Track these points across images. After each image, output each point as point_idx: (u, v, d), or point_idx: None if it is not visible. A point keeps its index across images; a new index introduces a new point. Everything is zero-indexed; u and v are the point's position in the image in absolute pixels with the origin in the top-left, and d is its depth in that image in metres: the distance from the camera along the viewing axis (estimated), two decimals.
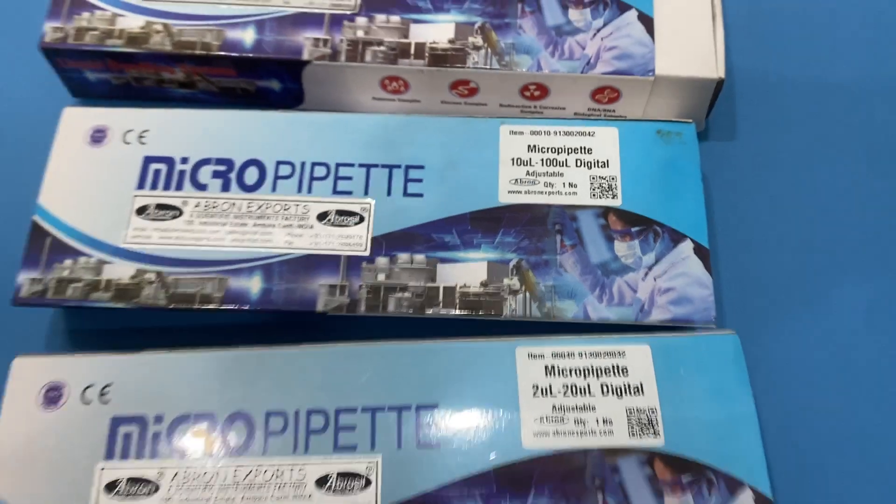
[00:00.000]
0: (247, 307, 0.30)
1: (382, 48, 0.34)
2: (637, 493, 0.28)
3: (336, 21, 0.35)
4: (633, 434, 0.29)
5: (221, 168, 0.33)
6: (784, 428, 0.32)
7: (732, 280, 0.35)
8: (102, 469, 0.28)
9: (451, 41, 0.35)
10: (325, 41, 0.34)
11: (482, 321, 0.31)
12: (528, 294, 0.31)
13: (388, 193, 0.32)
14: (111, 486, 0.28)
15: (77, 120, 0.34)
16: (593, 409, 0.29)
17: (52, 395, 0.29)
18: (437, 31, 0.35)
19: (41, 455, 0.28)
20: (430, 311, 0.30)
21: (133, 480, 0.28)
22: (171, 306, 0.30)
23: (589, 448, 0.28)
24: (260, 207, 0.32)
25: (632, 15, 0.35)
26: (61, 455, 0.28)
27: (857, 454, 0.32)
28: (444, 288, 0.31)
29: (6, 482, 0.28)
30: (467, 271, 0.31)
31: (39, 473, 0.28)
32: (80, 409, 0.29)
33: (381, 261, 0.31)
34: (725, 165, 0.37)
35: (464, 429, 0.29)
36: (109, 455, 0.28)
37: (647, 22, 0.35)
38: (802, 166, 0.37)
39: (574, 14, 0.35)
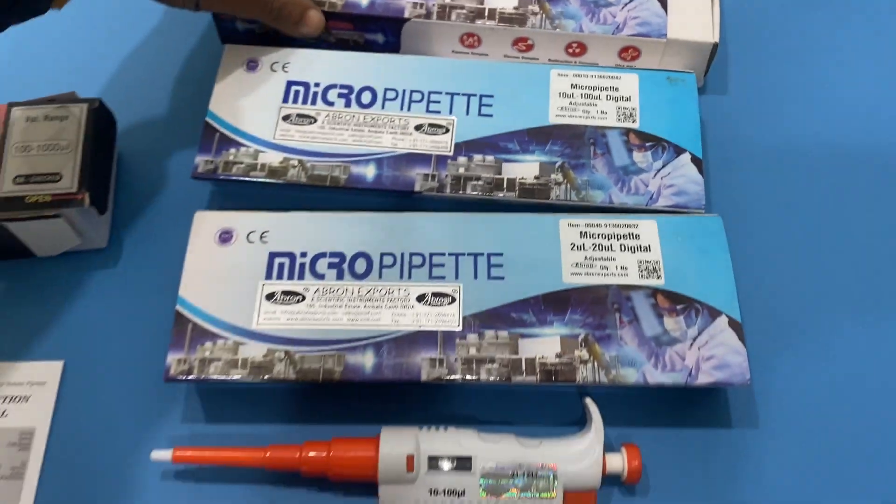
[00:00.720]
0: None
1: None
2: (644, 315, 0.39)
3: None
4: (642, 276, 0.40)
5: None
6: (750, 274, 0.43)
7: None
8: (263, 284, 0.40)
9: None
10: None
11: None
12: None
13: None
14: (270, 296, 0.39)
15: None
16: (613, 259, 0.40)
17: (225, 237, 0.41)
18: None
19: (219, 275, 0.40)
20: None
21: (286, 292, 0.39)
22: (308, 182, 0.42)
23: (609, 284, 0.40)
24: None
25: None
26: (233, 274, 0.40)
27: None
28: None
29: (195, 293, 0.39)
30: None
31: (218, 287, 0.39)
32: (246, 246, 0.41)
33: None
34: (718, 113, 0.49)
35: (521, 268, 0.40)
36: (268, 276, 0.40)
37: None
38: (781, 117, 0.49)
39: None
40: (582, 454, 0.36)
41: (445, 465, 0.36)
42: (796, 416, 0.40)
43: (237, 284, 0.39)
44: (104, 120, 0.44)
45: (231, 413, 0.40)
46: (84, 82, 0.48)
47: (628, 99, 0.45)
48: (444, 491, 0.36)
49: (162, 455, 0.37)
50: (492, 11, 0.47)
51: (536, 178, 0.43)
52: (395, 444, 0.36)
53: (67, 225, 0.41)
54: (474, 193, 0.42)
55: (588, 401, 0.38)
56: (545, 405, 0.40)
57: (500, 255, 0.40)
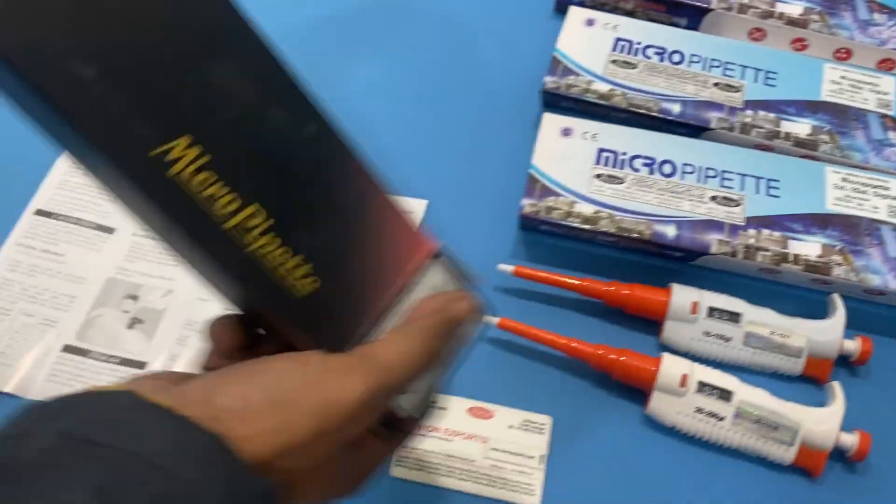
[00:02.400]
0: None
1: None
2: (890, 241, 0.50)
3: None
4: (891, 215, 0.51)
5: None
6: None
7: None
8: (593, 167, 0.52)
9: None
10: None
11: None
12: None
13: None
14: (598, 175, 0.52)
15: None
16: (868, 200, 0.51)
17: (566, 132, 0.54)
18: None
19: (560, 155, 0.53)
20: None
21: (610, 176, 0.52)
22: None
23: (862, 216, 0.51)
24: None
25: None
26: (571, 157, 0.53)
27: None
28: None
29: (544, 163, 0.52)
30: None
31: (559, 163, 0.52)
32: (580, 141, 0.54)
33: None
34: None
35: (794, 192, 0.51)
36: (597, 162, 0.53)
37: None
38: None
39: None
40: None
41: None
42: None
43: (573, 163, 0.52)
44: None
45: (545, 259, 0.52)
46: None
47: None
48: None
49: (506, 268, 0.50)
50: (780, 13, 0.60)
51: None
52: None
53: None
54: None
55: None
56: (790, 301, 0.51)
57: (778, 181, 0.52)
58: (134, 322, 0.50)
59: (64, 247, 0.52)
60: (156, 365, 0.48)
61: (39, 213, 0.53)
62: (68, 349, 0.48)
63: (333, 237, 0.29)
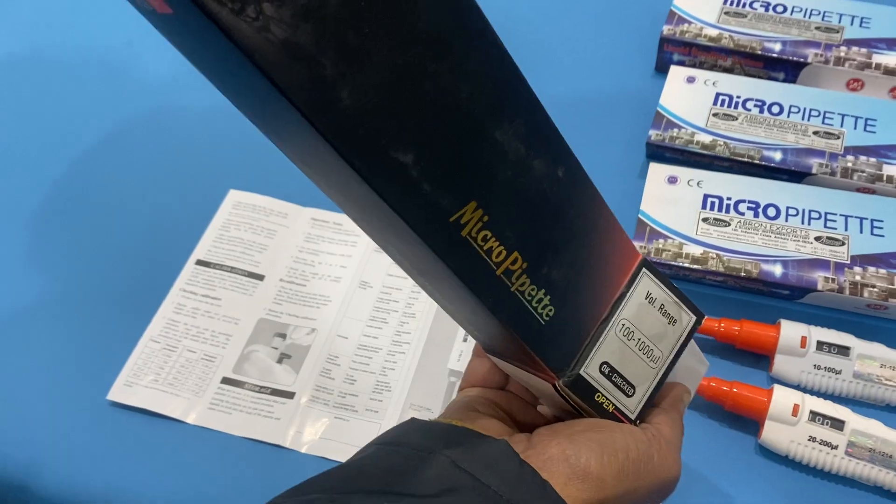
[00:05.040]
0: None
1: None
2: None
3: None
4: None
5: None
6: None
7: None
8: (700, 212, 0.56)
9: None
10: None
11: None
12: None
13: None
14: (705, 219, 0.55)
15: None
16: None
17: (672, 180, 0.58)
18: None
19: (667, 202, 0.57)
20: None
21: (716, 219, 0.55)
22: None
23: None
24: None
25: None
26: (677, 203, 0.56)
27: None
28: None
29: (652, 210, 0.56)
30: None
31: (667, 208, 0.56)
32: (686, 188, 0.57)
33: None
34: None
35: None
36: (703, 207, 0.56)
37: None
38: None
39: None
40: None
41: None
42: None
43: (680, 208, 0.56)
44: (694, 330, 0.36)
45: None
46: None
47: None
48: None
49: None
50: (877, 64, 0.62)
51: None
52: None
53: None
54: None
55: None
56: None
57: (882, 220, 0.54)
58: (282, 357, 0.56)
59: (221, 292, 0.59)
60: (303, 397, 0.54)
61: (199, 262, 0.61)
62: (226, 381, 0.55)
63: (571, 267, 0.32)
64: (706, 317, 0.45)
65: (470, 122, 0.27)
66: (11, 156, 0.70)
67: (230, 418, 0.53)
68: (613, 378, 0.33)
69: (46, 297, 0.60)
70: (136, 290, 0.60)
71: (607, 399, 0.33)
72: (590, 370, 0.33)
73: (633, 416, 0.34)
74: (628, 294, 0.34)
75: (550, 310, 0.31)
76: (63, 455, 0.52)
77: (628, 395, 0.34)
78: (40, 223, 0.65)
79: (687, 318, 0.36)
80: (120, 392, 0.54)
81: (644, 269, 0.35)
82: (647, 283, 0.35)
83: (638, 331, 0.34)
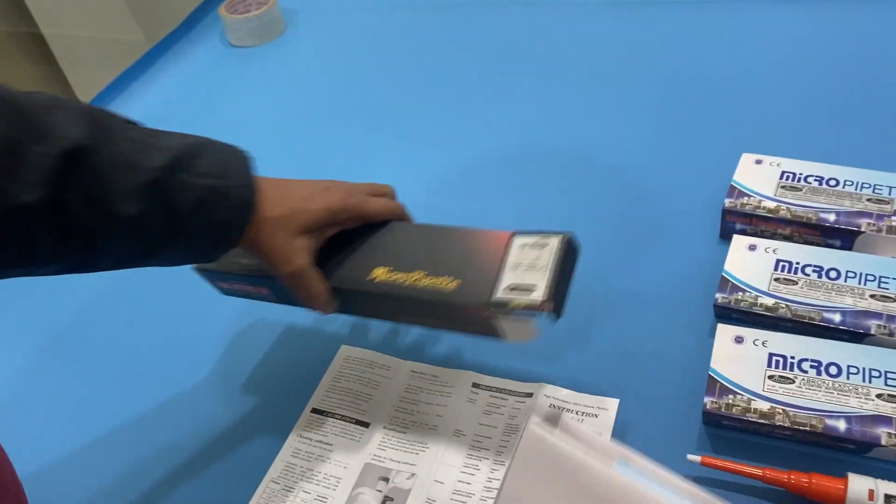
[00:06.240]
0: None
1: None
2: None
3: None
4: None
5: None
6: None
7: None
8: (766, 370, 0.61)
9: None
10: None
11: None
12: None
13: None
14: (771, 377, 0.60)
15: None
16: None
17: (738, 340, 0.64)
18: None
19: (735, 361, 0.62)
20: None
21: (781, 377, 0.60)
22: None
23: None
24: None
25: None
26: (745, 362, 0.62)
27: None
28: None
29: (721, 367, 0.61)
30: None
31: (735, 367, 0.61)
32: (752, 348, 0.63)
33: None
34: None
35: None
36: (769, 366, 0.61)
37: None
38: None
39: None
40: None
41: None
42: None
43: (748, 366, 0.62)
44: (569, 249, 0.57)
45: (728, 450, 0.60)
46: None
47: None
48: None
49: (694, 458, 0.58)
50: None
51: None
52: (859, 481, 0.54)
53: (532, 325, 0.56)
54: None
55: None
56: None
57: None
58: (386, 500, 0.62)
59: (332, 437, 0.67)
60: None
61: (314, 411, 0.69)
62: None
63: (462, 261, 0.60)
64: (778, 469, 0.56)
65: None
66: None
67: None
68: (516, 289, 0.55)
69: (185, 433, 0.70)
70: (261, 432, 0.68)
71: (518, 301, 0.54)
72: (499, 294, 0.56)
73: (542, 298, 0.54)
74: (508, 253, 0.58)
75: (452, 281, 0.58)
76: None
77: (530, 292, 0.54)
78: (174, 361, 0.75)
79: (554, 240, 0.57)
80: None
81: (514, 236, 0.58)
82: (518, 241, 0.58)
83: (522, 262, 0.57)
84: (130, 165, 0.51)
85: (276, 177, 0.61)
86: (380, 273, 0.60)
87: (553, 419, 0.60)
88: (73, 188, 0.48)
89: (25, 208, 0.46)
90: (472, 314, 0.57)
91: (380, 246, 0.63)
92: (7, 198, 0.46)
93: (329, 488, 0.63)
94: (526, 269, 0.56)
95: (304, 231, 0.60)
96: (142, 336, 0.81)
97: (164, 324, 0.82)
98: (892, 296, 0.65)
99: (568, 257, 0.57)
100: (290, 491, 0.63)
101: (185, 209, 0.53)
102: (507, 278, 0.56)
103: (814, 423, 0.57)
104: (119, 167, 0.50)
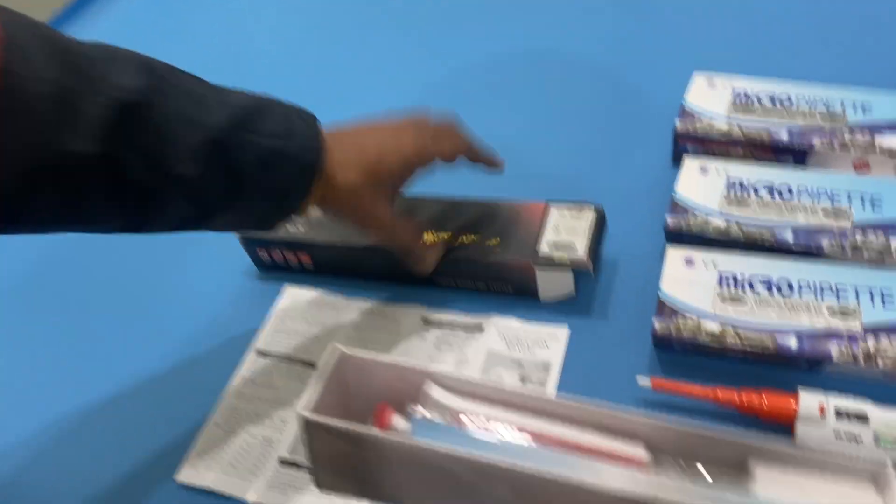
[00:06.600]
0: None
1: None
2: None
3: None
4: None
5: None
6: None
7: None
8: (716, 290, 0.60)
9: None
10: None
11: None
12: None
13: None
14: (721, 297, 0.59)
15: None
16: None
17: (689, 261, 0.62)
18: None
19: (684, 281, 0.61)
20: None
21: (732, 297, 0.59)
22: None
23: None
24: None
25: None
26: (694, 282, 0.60)
27: None
28: None
29: (671, 289, 0.60)
30: None
31: (684, 287, 0.60)
32: (702, 269, 0.61)
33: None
34: None
35: None
36: (719, 285, 0.60)
37: None
38: None
39: None
40: None
41: (847, 417, 0.51)
42: None
43: (698, 288, 0.60)
44: (602, 220, 0.66)
45: (679, 373, 0.59)
46: None
47: None
48: (845, 434, 0.51)
49: (644, 380, 0.57)
50: (881, 148, 0.67)
51: None
52: (812, 397, 0.53)
53: (571, 280, 0.64)
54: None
55: None
56: None
57: (892, 293, 0.57)
58: None
59: (278, 379, 0.65)
60: None
61: (259, 353, 0.67)
62: (283, 462, 0.59)
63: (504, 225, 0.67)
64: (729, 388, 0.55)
65: None
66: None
67: (287, 498, 0.57)
68: (558, 247, 0.63)
69: (128, 379, 0.67)
70: (204, 376, 0.66)
71: (561, 256, 0.62)
72: (543, 249, 0.63)
73: (584, 255, 0.62)
74: (546, 217, 0.66)
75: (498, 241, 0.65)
76: None
77: (573, 250, 0.62)
78: (119, 309, 0.73)
79: (589, 210, 0.65)
80: (187, 473, 0.59)
81: (550, 206, 0.66)
82: (554, 209, 0.66)
83: (560, 225, 0.65)
84: (190, 122, 0.47)
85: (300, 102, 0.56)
86: (428, 237, 0.65)
87: None
88: (129, 144, 0.45)
89: (78, 157, 0.43)
90: (517, 269, 0.63)
91: (420, 214, 0.68)
92: (60, 143, 0.42)
93: (276, 431, 0.61)
94: (566, 233, 0.64)
95: (384, 186, 0.58)
96: (89, 291, 0.79)
97: (108, 274, 0.79)
98: (845, 210, 0.63)
99: (599, 227, 0.65)
100: (234, 434, 0.61)
101: (247, 171, 0.50)
102: (550, 238, 0.63)
103: (765, 341, 0.56)
104: (179, 123, 0.47)
